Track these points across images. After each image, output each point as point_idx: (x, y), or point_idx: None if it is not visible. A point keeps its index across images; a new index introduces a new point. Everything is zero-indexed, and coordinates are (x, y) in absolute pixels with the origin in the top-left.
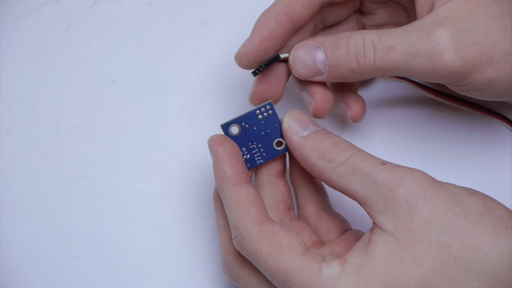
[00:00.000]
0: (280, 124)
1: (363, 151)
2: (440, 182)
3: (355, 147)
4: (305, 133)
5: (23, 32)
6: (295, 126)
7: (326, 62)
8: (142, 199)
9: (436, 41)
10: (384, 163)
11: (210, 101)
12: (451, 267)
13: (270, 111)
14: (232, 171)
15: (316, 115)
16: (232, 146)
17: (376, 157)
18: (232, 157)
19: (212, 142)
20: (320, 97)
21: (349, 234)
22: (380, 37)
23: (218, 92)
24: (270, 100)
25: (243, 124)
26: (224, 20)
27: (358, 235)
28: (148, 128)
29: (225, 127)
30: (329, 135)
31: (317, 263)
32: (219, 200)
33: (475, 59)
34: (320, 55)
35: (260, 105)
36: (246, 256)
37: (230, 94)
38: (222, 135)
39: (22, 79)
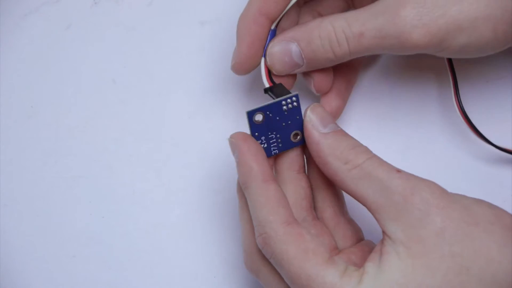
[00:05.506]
0: (301, 117)
1: (378, 157)
2: (451, 193)
3: (371, 152)
4: (325, 130)
5: (23, 32)
6: (316, 121)
7: (303, 55)
8: (142, 199)
9: (403, 22)
10: (399, 170)
11: (210, 101)
12: (463, 277)
13: (295, 103)
14: (260, 167)
15: (319, 91)
16: (255, 143)
17: (391, 165)
18: (258, 153)
19: (236, 139)
20: (318, 73)
21: (364, 245)
22: (350, 24)
23: (218, 92)
24: (297, 93)
25: (267, 113)
26: (224, 20)
27: (372, 247)
28: (148, 128)
29: (251, 114)
30: (347, 136)
31: (340, 273)
32: (242, 192)
33: (443, 30)
34: (295, 50)
35: (287, 96)
36: (268, 256)
37: (230, 94)
38: (243, 132)
39: (22, 79)
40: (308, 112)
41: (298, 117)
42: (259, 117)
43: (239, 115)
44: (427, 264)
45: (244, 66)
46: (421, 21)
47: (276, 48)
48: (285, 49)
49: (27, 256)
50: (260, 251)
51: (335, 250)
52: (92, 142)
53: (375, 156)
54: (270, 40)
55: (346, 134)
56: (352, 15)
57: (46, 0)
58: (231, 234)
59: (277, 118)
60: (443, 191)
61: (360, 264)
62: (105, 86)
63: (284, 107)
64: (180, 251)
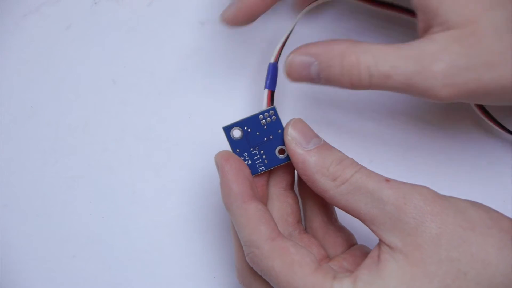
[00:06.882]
0: (283, 131)
1: (366, 168)
2: (444, 197)
3: (358, 164)
4: (309, 147)
5: (23, 32)
6: (299, 138)
7: (320, 75)
8: (142, 199)
9: (434, 78)
10: (388, 180)
11: (210, 101)
12: (461, 281)
13: (273, 117)
14: (239, 188)
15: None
16: (238, 162)
17: (380, 174)
18: (239, 173)
19: (218, 159)
20: None
21: (356, 250)
22: (377, 62)
23: (218, 92)
24: (274, 106)
25: (245, 128)
26: None
27: (364, 251)
28: (148, 128)
29: (227, 130)
30: (332, 150)
31: (329, 280)
32: None
33: (470, 92)
34: (314, 68)
35: (264, 109)
36: (259, 272)
37: (230, 94)
38: (227, 151)
39: (22, 79)
40: (289, 129)
41: (280, 131)
42: (237, 133)
43: (239, 115)
44: (424, 270)
45: (240, 18)
46: (452, 81)
47: (297, 59)
48: (305, 63)
49: (27, 256)
50: (250, 266)
51: (326, 259)
52: (92, 142)
53: (362, 168)
54: (270, 73)
55: (330, 148)
56: (380, 52)
57: (46, 0)
58: (231, 234)
59: (257, 133)
60: (436, 195)
61: (353, 270)
62: (105, 86)
63: (263, 121)
64: (180, 251)
